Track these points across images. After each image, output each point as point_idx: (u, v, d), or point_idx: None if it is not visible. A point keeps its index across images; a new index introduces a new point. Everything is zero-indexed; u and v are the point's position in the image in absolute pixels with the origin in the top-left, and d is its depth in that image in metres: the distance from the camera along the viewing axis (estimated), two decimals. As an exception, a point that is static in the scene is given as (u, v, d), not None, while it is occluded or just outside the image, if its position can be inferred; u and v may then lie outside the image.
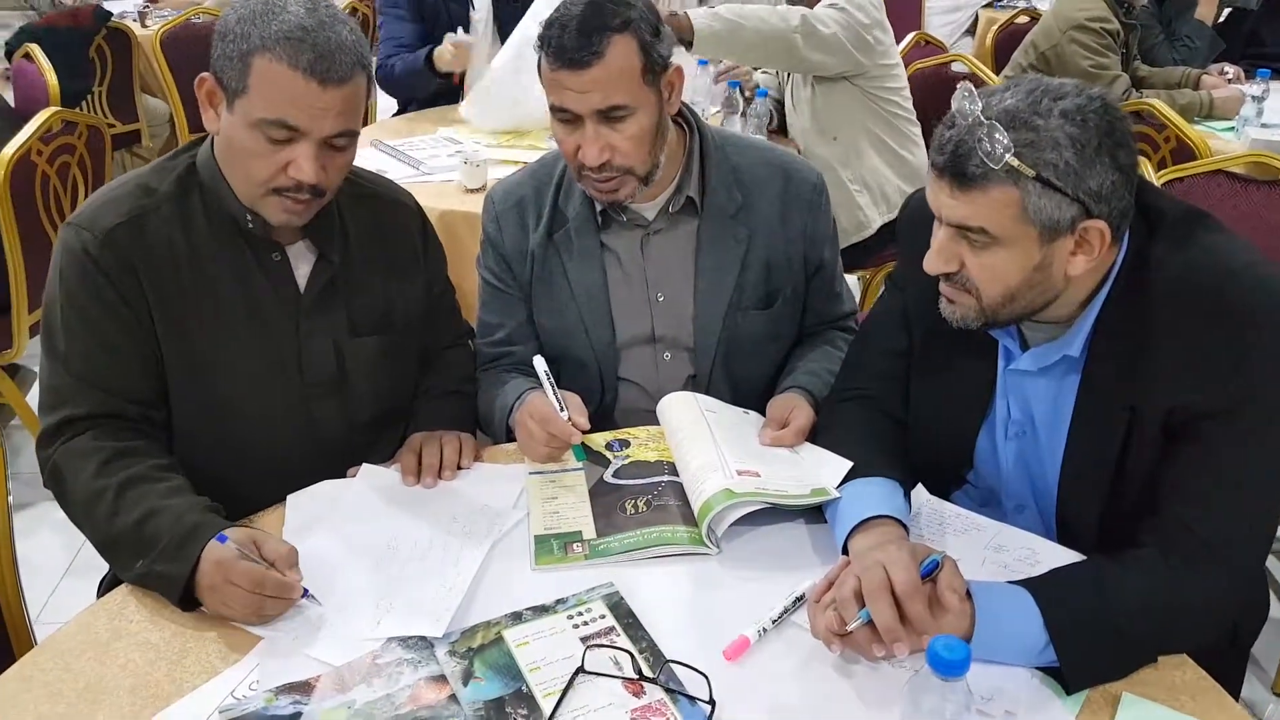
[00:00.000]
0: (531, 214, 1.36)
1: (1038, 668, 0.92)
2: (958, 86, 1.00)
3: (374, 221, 1.29)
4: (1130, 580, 0.94)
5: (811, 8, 2.34)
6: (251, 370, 1.20)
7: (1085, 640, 0.90)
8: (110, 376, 1.13)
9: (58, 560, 2.14)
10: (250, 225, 1.16)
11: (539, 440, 1.20)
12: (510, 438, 1.31)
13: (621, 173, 1.23)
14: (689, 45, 2.19)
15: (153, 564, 0.99)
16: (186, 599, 0.98)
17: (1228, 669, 1.09)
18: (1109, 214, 0.96)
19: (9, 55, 3.36)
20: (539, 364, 1.23)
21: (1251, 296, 0.97)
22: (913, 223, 1.16)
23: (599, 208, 1.33)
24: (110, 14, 3.59)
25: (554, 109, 1.22)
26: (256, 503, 1.16)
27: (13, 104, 2.93)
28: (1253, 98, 2.65)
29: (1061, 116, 0.94)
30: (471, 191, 2.14)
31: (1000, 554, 1.08)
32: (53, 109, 2.22)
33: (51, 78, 2.78)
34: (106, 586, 1.28)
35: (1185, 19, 3.13)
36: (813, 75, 2.44)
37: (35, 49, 2.87)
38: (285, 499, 1.16)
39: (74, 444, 1.11)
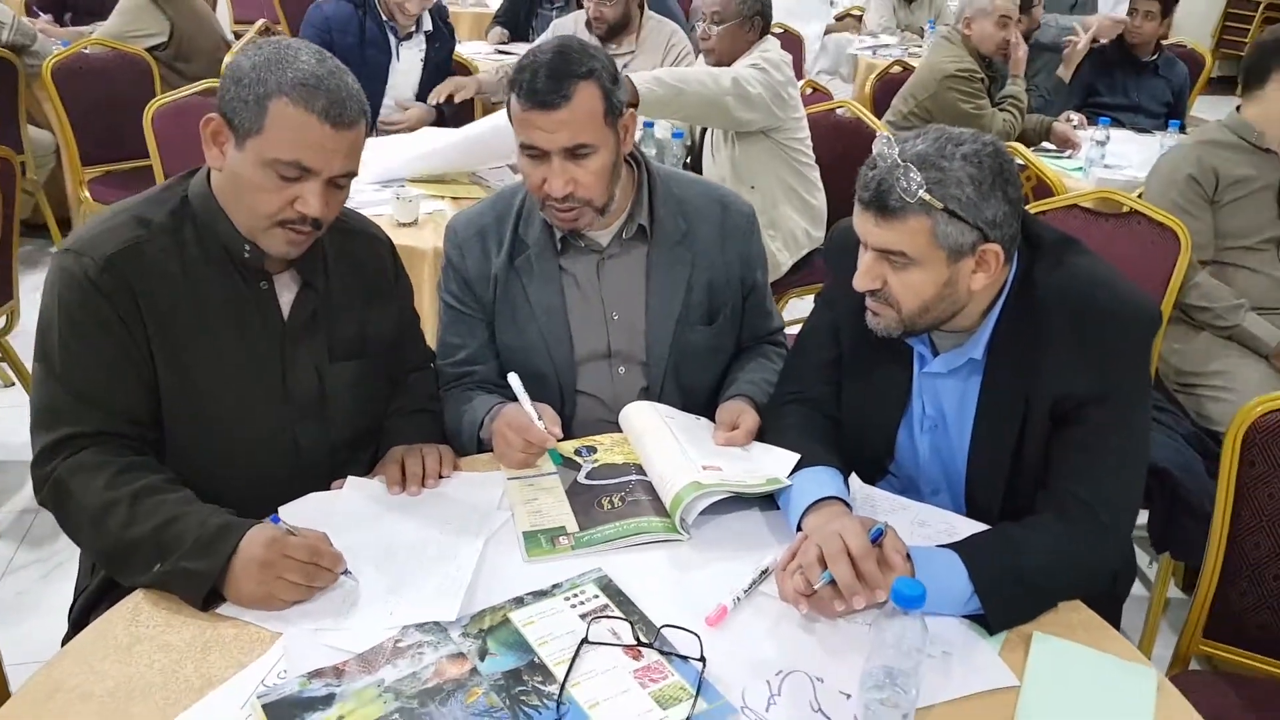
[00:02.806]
0: (493, 241, 1.48)
1: (966, 615, 1.09)
2: (878, 135, 1.19)
3: (351, 253, 1.38)
4: (1034, 541, 1.14)
5: (728, 65, 2.55)
6: (239, 393, 1.26)
7: (1002, 591, 1.09)
8: (109, 395, 1.18)
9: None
10: (247, 255, 1.23)
11: (516, 447, 1.31)
12: (480, 449, 1.41)
13: (582, 204, 1.37)
14: (634, 107, 2.34)
15: (178, 563, 1.05)
16: (208, 597, 1.04)
17: (1109, 617, 1.30)
18: (1002, 238, 1.17)
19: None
20: (514, 380, 1.34)
21: (1115, 306, 1.19)
22: (839, 249, 1.35)
23: (558, 234, 1.46)
24: (-3, 44, 3.48)
25: (523, 146, 1.34)
26: (243, 517, 1.22)
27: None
28: (1096, 142, 3.02)
29: (963, 159, 1.13)
30: (404, 225, 2.23)
31: (924, 528, 1.26)
32: (-35, 142, 2.17)
33: (-56, 109, 2.69)
34: (78, 614, 1.30)
35: (1046, 74, 3.55)
36: (734, 130, 2.62)
37: (-76, 79, 2.77)
38: (271, 514, 1.22)
39: (77, 459, 1.15)
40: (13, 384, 2.87)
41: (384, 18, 2.97)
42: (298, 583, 1.05)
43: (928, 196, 1.12)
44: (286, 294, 1.30)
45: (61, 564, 2.21)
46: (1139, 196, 2.36)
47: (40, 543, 2.30)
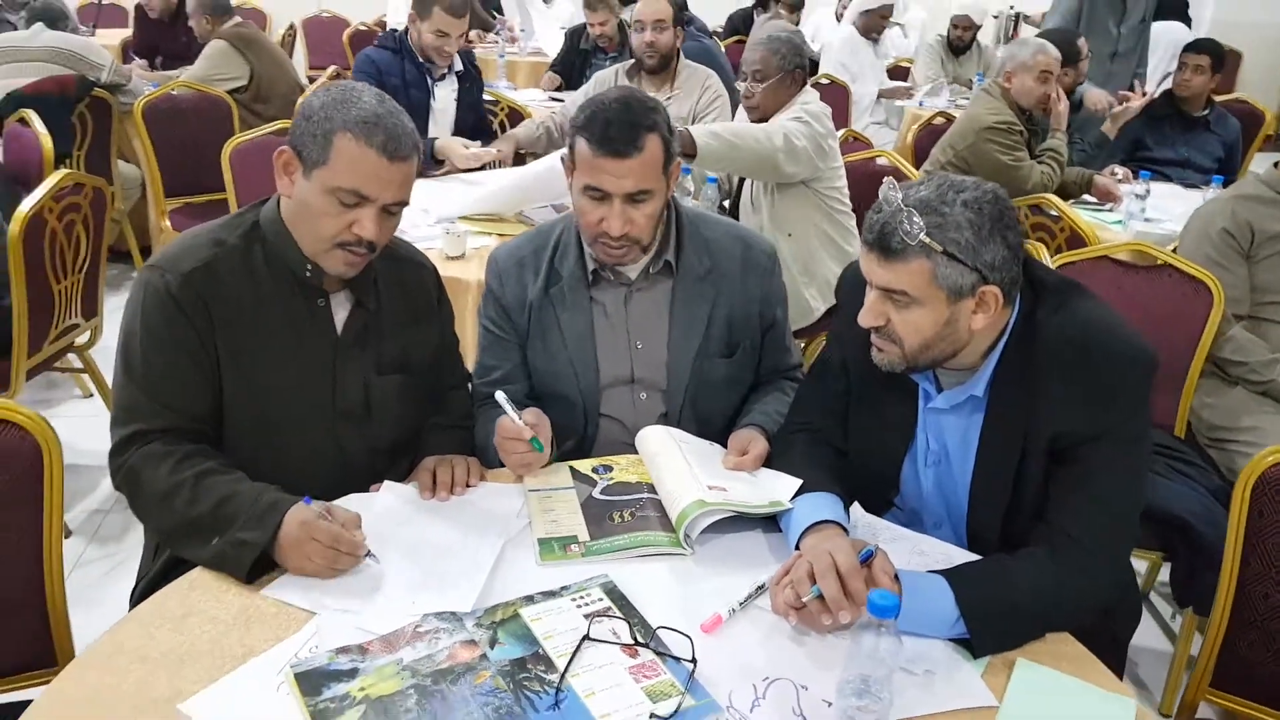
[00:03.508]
0: (530, 271, 1.59)
1: (951, 639, 1.15)
2: (885, 180, 1.28)
3: (400, 278, 1.51)
4: (1023, 572, 1.19)
5: (766, 119, 2.66)
6: (293, 398, 1.39)
7: (988, 616, 1.14)
8: (178, 397, 1.32)
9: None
10: (308, 274, 1.37)
11: (509, 450, 1.40)
12: (502, 463, 1.51)
13: (633, 243, 1.48)
14: (691, 158, 2.47)
15: (235, 534, 1.18)
16: (256, 567, 1.17)
17: (1113, 660, 1.33)
18: (1001, 281, 1.23)
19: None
20: (500, 397, 1.43)
21: (1112, 349, 1.24)
22: (848, 289, 1.43)
23: (590, 267, 1.57)
24: (94, 83, 3.77)
25: (588, 187, 1.46)
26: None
27: (1, 161, 3.08)
28: (1136, 195, 3.05)
29: (963, 205, 1.21)
30: (452, 259, 2.37)
31: (922, 557, 1.31)
32: (64, 171, 2.39)
33: (47, 142, 2.93)
34: (139, 597, 1.42)
35: (1092, 128, 3.60)
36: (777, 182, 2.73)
37: (31, 115, 3.03)
38: (304, 496, 1.31)
39: (147, 449, 1.29)
40: (91, 395, 3.07)
41: (420, 60, 3.17)
42: (322, 563, 1.17)
43: (928, 239, 1.19)
44: (340, 311, 1.43)
45: (124, 560, 2.37)
46: (1174, 250, 2.39)
47: (107, 541, 2.47)
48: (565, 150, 1.52)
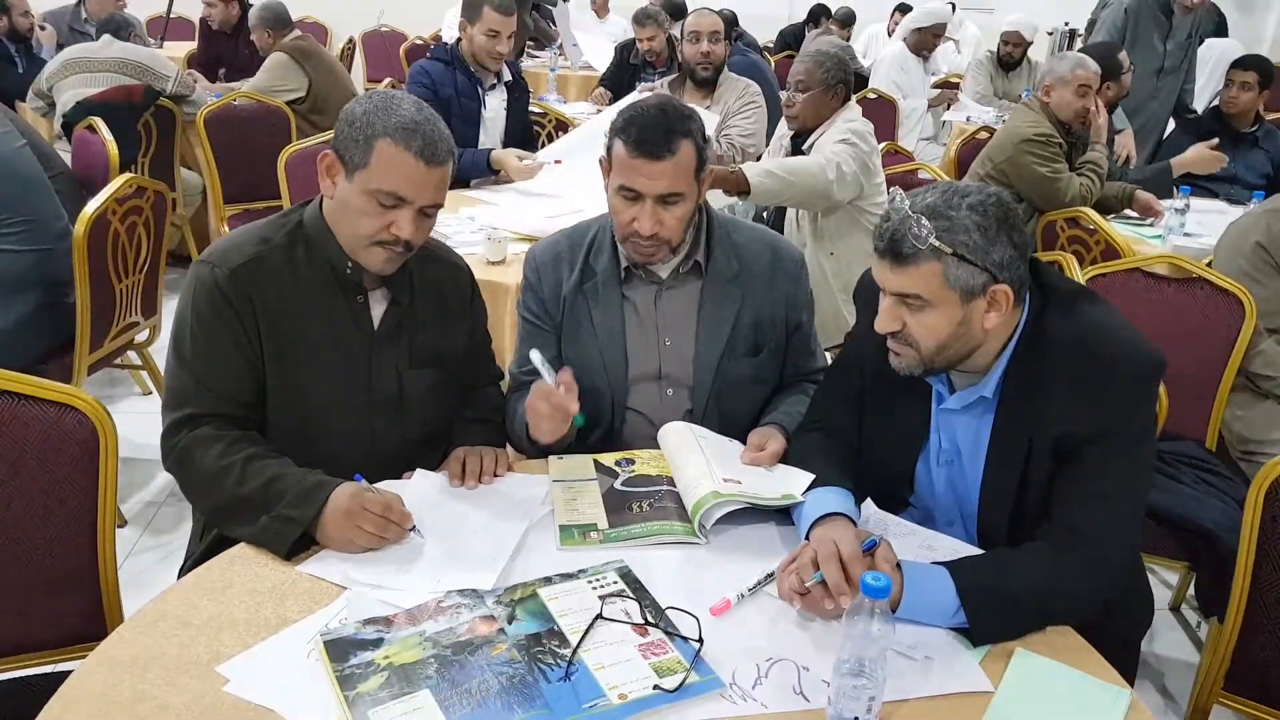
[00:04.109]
0: (566, 267, 1.66)
1: (951, 628, 1.18)
2: (891, 190, 1.33)
3: (435, 277, 1.58)
4: (1024, 564, 1.22)
5: (811, 129, 2.71)
6: (331, 388, 1.47)
7: (987, 606, 1.17)
8: (224, 383, 1.41)
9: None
10: (348, 271, 1.45)
11: (543, 414, 1.43)
12: (533, 454, 1.58)
13: (662, 243, 1.55)
14: (744, 195, 2.53)
15: (282, 510, 1.27)
16: (294, 546, 1.25)
17: (1122, 661, 1.35)
18: (1010, 280, 1.27)
19: (66, 127, 3.70)
20: (535, 355, 1.47)
21: (1116, 353, 1.28)
22: (863, 293, 1.48)
23: (623, 265, 1.63)
24: (160, 93, 3.95)
25: (622, 188, 1.53)
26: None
27: (69, 166, 3.25)
28: (1175, 210, 3.03)
29: (969, 209, 1.25)
30: (493, 263, 2.45)
31: (931, 552, 1.35)
32: (127, 175, 2.52)
33: (113, 149, 3.08)
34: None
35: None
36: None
37: (99, 122, 3.19)
38: (355, 474, 1.38)
39: (198, 432, 1.38)
40: (150, 393, 3.22)
41: (472, 70, 3.28)
42: (371, 532, 1.25)
43: (937, 242, 1.24)
44: (377, 307, 1.51)
45: (176, 550, 2.47)
46: (1209, 264, 2.39)
47: (160, 532, 2.59)
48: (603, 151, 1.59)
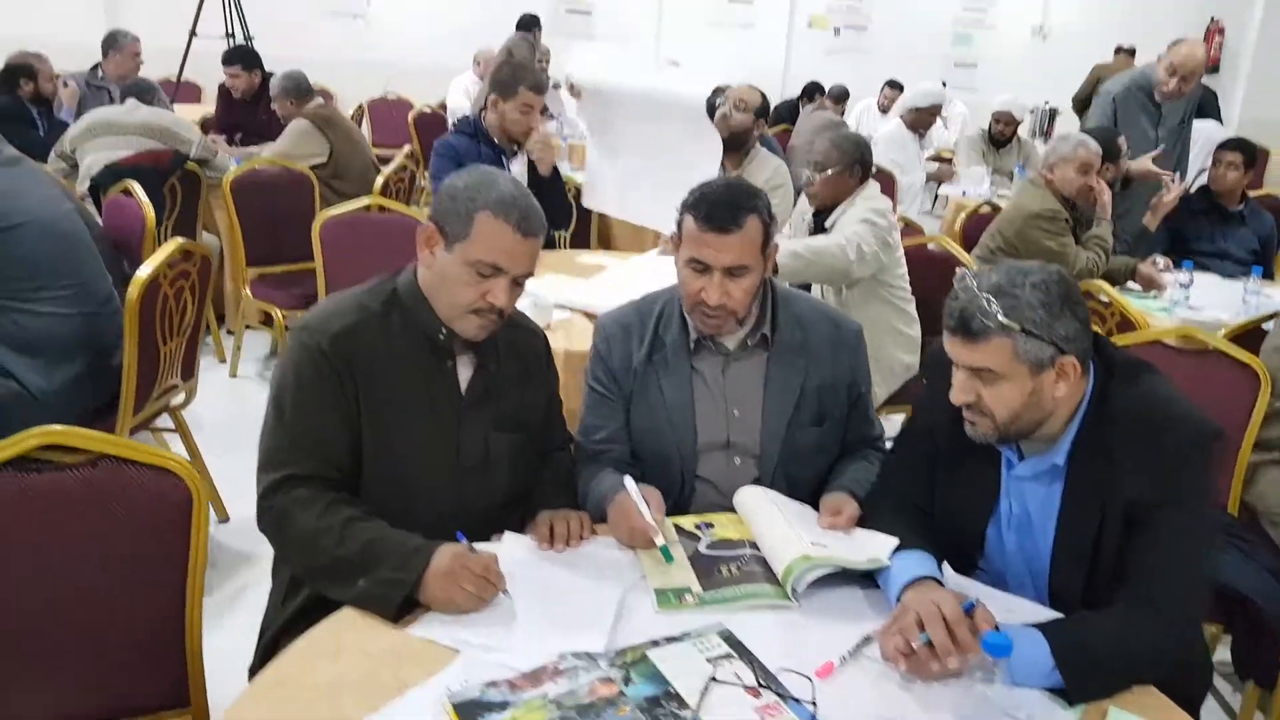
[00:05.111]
0: (635, 338, 1.73)
1: (1047, 689, 1.23)
2: (958, 271, 1.42)
3: (515, 342, 1.65)
4: (1110, 626, 1.29)
5: (830, 208, 2.83)
6: (421, 452, 1.51)
7: (1081, 666, 1.22)
8: (322, 445, 1.45)
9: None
10: (442, 338, 1.51)
11: (624, 538, 1.50)
12: (602, 519, 1.61)
13: (728, 314, 1.62)
14: (773, 274, 2.64)
15: (383, 574, 1.30)
16: (402, 606, 1.28)
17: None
18: (1077, 351, 1.36)
19: (94, 189, 3.75)
20: (629, 484, 1.54)
21: (1181, 423, 1.36)
22: (934, 365, 1.55)
23: (692, 337, 1.70)
24: (186, 157, 4.02)
25: (691, 260, 1.61)
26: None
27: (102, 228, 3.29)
28: (1181, 285, 3.18)
29: (1032, 287, 1.35)
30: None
31: (1011, 615, 1.38)
32: (177, 240, 2.57)
33: (150, 213, 3.13)
34: (269, 641, 1.52)
35: (1132, 220, 3.75)
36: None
37: (135, 187, 3.24)
38: (458, 531, 1.41)
39: (295, 493, 1.41)
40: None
41: (495, 141, 3.38)
42: (472, 593, 1.28)
43: (1006, 320, 1.33)
44: (465, 372, 1.56)
45: (219, 613, 2.45)
46: (1222, 337, 2.50)
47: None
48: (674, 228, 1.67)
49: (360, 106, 7.03)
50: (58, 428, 1.38)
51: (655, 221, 3.26)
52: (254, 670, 1.53)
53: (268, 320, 3.96)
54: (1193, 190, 4.08)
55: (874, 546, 1.44)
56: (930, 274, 3.16)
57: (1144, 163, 4.02)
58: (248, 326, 4.21)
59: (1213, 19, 9.39)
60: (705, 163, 2.85)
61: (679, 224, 1.66)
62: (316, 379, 1.45)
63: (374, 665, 1.21)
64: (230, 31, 6.88)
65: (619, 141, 3.39)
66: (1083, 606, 1.40)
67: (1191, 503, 1.33)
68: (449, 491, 1.54)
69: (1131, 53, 7.71)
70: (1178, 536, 1.32)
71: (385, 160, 4.75)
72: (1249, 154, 3.97)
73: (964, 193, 5.19)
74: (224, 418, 3.56)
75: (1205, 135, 5.37)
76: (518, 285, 1.51)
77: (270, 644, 1.51)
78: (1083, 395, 1.42)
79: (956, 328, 1.37)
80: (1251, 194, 4.21)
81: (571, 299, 2.73)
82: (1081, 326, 1.37)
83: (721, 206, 1.59)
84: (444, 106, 7.03)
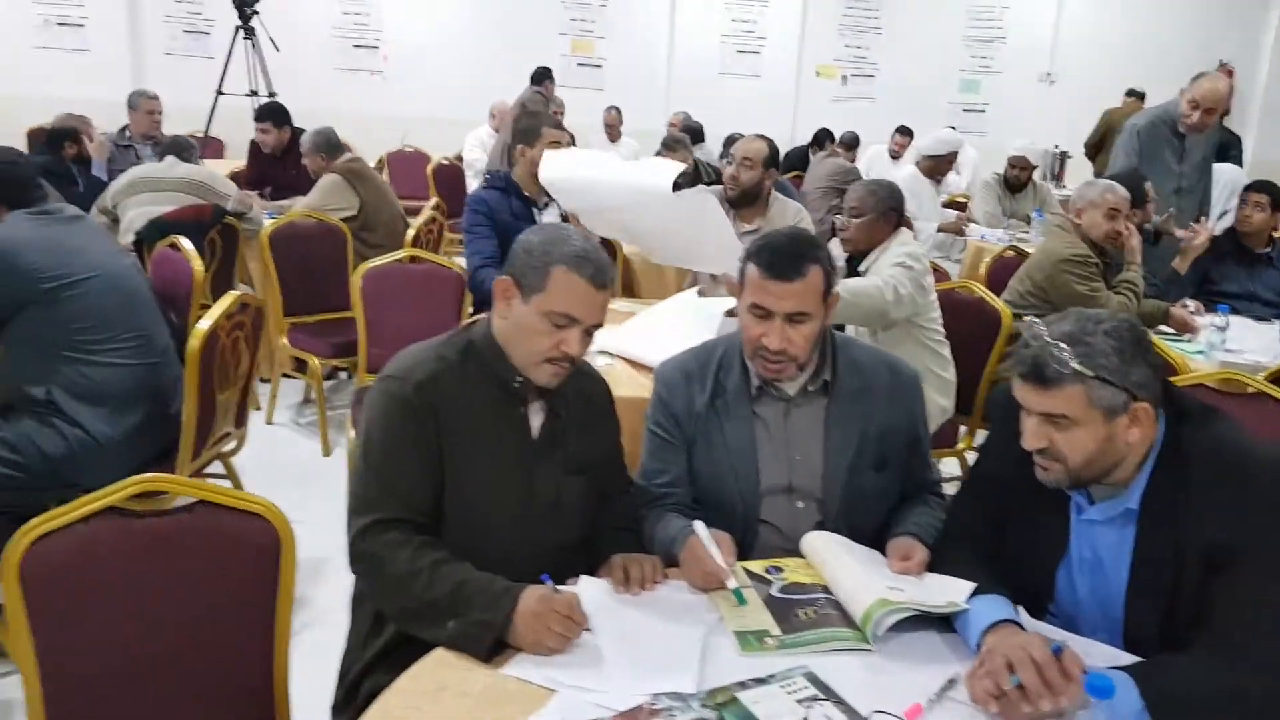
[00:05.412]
0: (696, 384, 1.76)
1: (1136, 729, 1.24)
2: (1025, 320, 1.45)
3: (582, 389, 1.69)
4: (1197, 669, 1.29)
5: (864, 253, 2.89)
6: (496, 496, 1.55)
7: (1171, 709, 1.23)
8: (408, 490, 1.49)
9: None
10: (516, 385, 1.55)
11: (696, 575, 1.52)
12: (670, 562, 1.63)
13: (789, 360, 1.66)
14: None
15: (472, 615, 1.33)
16: (492, 646, 1.30)
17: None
18: (1149, 397, 1.39)
19: (137, 244, 3.84)
20: (700, 530, 1.56)
21: (1258, 467, 1.38)
22: (1001, 410, 1.58)
23: (753, 383, 1.74)
24: (225, 211, 4.12)
25: (753, 305, 1.66)
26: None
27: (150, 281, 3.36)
28: (1216, 328, 3.21)
29: (1104, 334, 1.38)
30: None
31: (1088, 659, 1.40)
32: (235, 293, 2.63)
33: (199, 265, 3.20)
34: (354, 679, 1.54)
35: (1161, 264, 3.80)
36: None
37: (183, 241, 3.31)
38: (543, 574, 1.43)
39: (386, 537, 1.45)
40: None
41: (525, 194, 3.44)
42: (560, 633, 1.31)
43: (1079, 366, 1.36)
44: (536, 418, 1.61)
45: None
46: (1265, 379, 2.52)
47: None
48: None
49: (381, 159, 7.18)
50: (154, 475, 1.42)
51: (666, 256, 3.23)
52: (337, 708, 1.55)
53: (300, 367, 4.01)
54: (1217, 233, 4.13)
55: (949, 590, 1.46)
56: (962, 319, 3.20)
57: (1164, 224, 4.08)
58: (284, 375, 4.27)
59: (1221, 62, 9.53)
60: (708, 220, 2.75)
61: (741, 272, 1.70)
62: (402, 425, 1.49)
63: (475, 705, 1.23)
64: (255, 89, 7.07)
65: (614, 217, 3.24)
66: (1160, 651, 1.41)
67: (1276, 544, 1.34)
68: (523, 534, 1.57)
69: (1141, 97, 7.83)
70: (1265, 580, 1.33)
71: (409, 211, 4.86)
72: (1275, 195, 4.02)
73: (982, 236, 5.25)
74: (262, 463, 3.60)
75: (1228, 178, 5.44)
76: (589, 335, 1.56)
77: (356, 681, 1.53)
78: (1154, 440, 1.44)
79: (1029, 374, 1.40)
80: (1278, 235, 4.26)
81: (609, 345, 2.77)
82: (1153, 372, 1.39)
83: (784, 256, 1.64)
84: (460, 158, 7.18)
